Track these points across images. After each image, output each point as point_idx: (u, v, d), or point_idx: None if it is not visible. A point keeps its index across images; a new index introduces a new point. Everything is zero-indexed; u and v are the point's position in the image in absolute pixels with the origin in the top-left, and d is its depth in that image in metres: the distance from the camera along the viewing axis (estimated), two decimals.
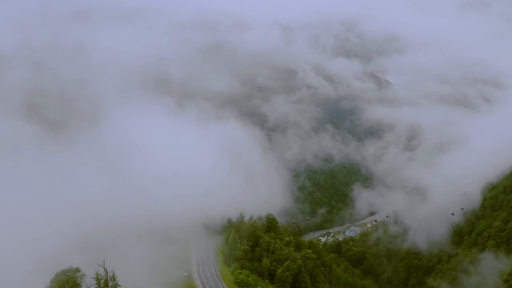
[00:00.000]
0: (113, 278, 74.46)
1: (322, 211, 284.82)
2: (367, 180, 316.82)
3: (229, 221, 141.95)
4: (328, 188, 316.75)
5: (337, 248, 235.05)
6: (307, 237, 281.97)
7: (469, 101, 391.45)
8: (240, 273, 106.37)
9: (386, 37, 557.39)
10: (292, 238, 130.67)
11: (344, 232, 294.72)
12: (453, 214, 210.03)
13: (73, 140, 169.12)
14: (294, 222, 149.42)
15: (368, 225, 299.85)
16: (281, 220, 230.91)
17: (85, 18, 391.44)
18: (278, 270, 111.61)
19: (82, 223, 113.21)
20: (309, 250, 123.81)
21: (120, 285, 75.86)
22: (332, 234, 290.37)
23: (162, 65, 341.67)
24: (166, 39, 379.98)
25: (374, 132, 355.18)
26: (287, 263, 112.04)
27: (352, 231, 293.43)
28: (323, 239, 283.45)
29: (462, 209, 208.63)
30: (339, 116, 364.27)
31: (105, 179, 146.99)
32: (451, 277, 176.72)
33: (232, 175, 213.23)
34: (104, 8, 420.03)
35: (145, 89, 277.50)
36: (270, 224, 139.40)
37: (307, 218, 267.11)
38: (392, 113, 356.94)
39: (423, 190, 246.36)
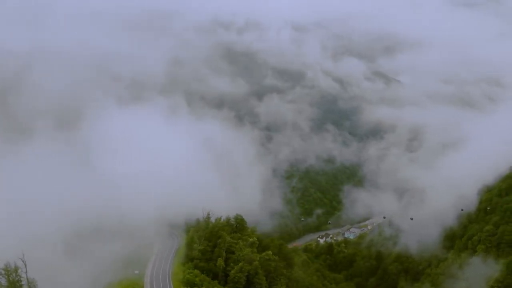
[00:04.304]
0: (15, 271, 79.32)
1: (318, 212, 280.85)
2: (367, 181, 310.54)
3: (197, 221, 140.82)
4: (330, 189, 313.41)
5: (329, 250, 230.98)
6: (305, 239, 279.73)
7: (472, 101, 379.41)
8: (190, 273, 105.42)
9: (387, 36, 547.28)
10: (256, 239, 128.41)
11: (343, 234, 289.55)
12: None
13: (45, 138, 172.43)
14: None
15: (369, 227, 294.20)
16: (271, 222, 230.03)
17: (83, 20, 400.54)
18: (232, 271, 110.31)
19: (41, 219, 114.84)
20: (270, 252, 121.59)
21: (22, 277, 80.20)
22: (331, 236, 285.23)
23: (166, 66, 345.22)
24: (170, 41, 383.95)
25: (376, 132, 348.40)
26: (240, 264, 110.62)
27: (352, 233, 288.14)
28: (321, 241, 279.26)
29: (462, 210, 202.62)
30: (340, 116, 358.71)
31: (82, 176, 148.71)
32: (437, 282, 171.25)
33: (221, 175, 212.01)
34: (105, 9, 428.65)
35: (140, 90, 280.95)
36: (238, 225, 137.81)
37: (302, 219, 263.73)
38: (394, 113, 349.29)
39: (421, 191, 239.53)
